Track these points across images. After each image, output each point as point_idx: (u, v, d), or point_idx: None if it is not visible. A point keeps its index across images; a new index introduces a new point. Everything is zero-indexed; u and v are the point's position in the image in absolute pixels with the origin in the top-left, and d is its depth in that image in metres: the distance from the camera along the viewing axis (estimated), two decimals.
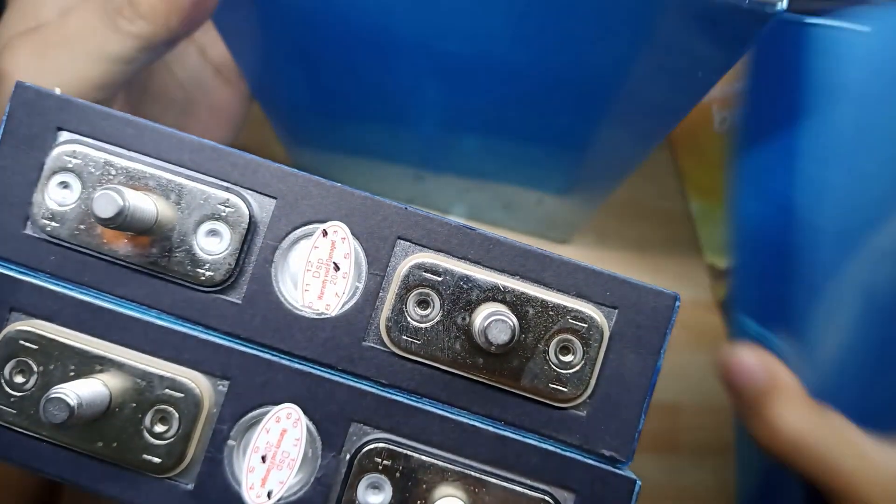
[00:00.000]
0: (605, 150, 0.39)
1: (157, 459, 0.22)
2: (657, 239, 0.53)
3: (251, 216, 0.23)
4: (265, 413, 0.23)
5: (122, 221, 0.21)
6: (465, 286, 0.23)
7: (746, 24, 0.24)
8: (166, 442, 0.22)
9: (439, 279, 0.23)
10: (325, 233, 0.23)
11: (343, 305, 0.23)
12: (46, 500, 0.35)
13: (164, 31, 0.27)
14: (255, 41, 0.34)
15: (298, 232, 0.23)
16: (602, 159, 0.41)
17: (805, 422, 0.31)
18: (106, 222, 0.21)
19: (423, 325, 0.23)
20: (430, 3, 0.27)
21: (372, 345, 0.23)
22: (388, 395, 0.23)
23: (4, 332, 0.23)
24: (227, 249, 0.23)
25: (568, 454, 0.23)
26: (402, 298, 0.23)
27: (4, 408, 0.22)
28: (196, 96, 0.36)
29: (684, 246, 0.53)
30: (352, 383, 0.23)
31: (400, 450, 0.23)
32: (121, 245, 0.23)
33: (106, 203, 0.20)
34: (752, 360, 0.32)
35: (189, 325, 0.23)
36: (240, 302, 0.23)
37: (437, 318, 0.23)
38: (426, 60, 0.32)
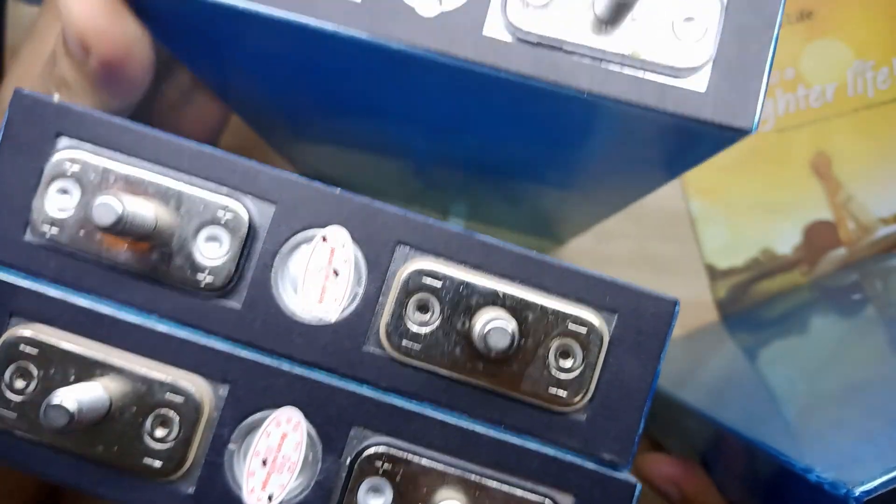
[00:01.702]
0: (585, 209, 0.40)
1: (157, 463, 0.22)
2: (657, 239, 0.53)
3: (251, 222, 0.23)
4: (265, 417, 0.23)
5: (121, 228, 0.21)
6: (464, 291, 0.23)
7: (720, 139, 0.24)
8: (167, 446, 0.22)
9: (439, 284, 0.23)
10: (324, 238, 0.23)
11: (343, 310, 0.23)
12: (47, 502, 0.35)
13: (100, 105, 0.27)
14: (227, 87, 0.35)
15: (298, 237, 0.23)
16: (584, 215, 0.42)
17: None
18: (105, 229, 0.21)
19: (422, 331, 0.23)
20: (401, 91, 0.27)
21: (372, 350, 0.23)
22: (389, 400, 0.23)
23: (4, 336, 0.23)
24: (226, 255, 0.23)
25: (568, 458, 0.23)
26: (401, 304, 0.23)
27: (5, 412, 0.22)
28: (184, 110, 0.37)
29: (684, 246, 0.53)
30: (352, 388, 0.23)
31: (400, 454, 0.23)
32: (120, 251, 0.23)
33: (105, 210, 0.21)
34: (664, 470, 0.37)
35: (189, 330, 0.23)
36: (240, 307, 0.23)
37: (437, 324, 0.23)
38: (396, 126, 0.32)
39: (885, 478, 0.24)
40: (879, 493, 0.24)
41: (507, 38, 0.23)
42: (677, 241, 0.53)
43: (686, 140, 0.25)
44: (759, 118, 0.23)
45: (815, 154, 0.51)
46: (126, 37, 0.25)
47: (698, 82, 0.23)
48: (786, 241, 0.52)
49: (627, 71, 0.23)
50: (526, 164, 0.34)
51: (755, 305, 0.51)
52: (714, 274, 0.52)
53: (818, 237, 0.51)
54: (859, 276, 0.49)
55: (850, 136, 0.50)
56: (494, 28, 0.23)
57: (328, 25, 0.23)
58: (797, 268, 0.51)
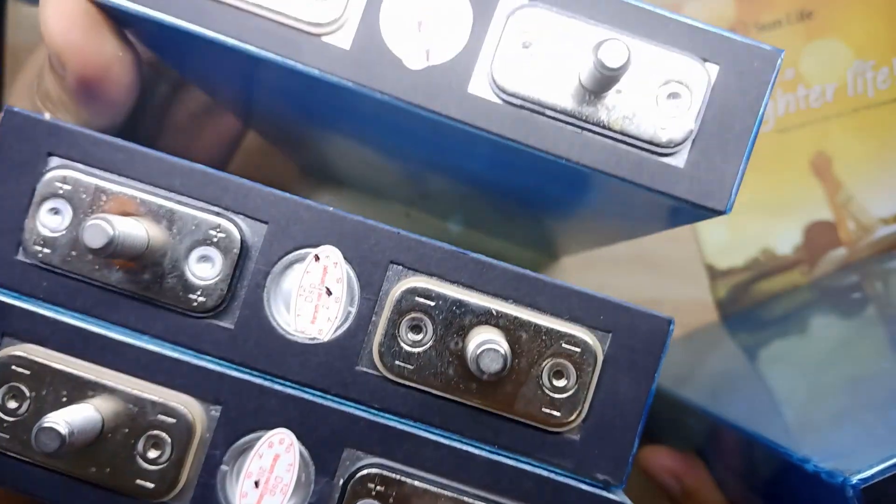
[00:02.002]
0: (580, 237, 0.41)
1: (150, 485, 0.22)
2: (657, 239, 0.53)
3: (243, 241, 0.23)
4: (258, 438, 0.23)
5: (112, 251, 0.21)
6: (457, 311, 0.23)
7: (695, 214, 0.25)
8: (159, 467, 0.22)
9: (432, 304, 0.23)
10: (317, 257, 0.23)
11: (336, 330, 0.23)
12: None
13: (82, 121, 0.26)
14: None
15: (290, 256, 0.23)
16: (579, 242, 0.43)
17: None
18: (96, 252, 0.21)
19: (415, 350, 0.23)
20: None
21: (365, 370, 0.23)
22: (382, 420, 0.23)
23: None
24: (218, 275, 0.23)
25: (561, 479, 0.23)
26: (394, 323, 0.23)
27: None
28: (204, 122, 0.36)
29: (684, 246, 0.53)
30: (345, 408, 0.23)
31: (393, 475, 0.23)
32: (112, 271, 0.23)
33: (95, 233, 0.20)
34: (665, 462, 0.38)
35: (181, 350, 0.23)
36: (232, 327, 0.23)
37: (430, 343, 0.23)
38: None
39: (881, 466, 0.24)
40: (876, 481, 0.24)
41: (492, 97, 0.23)
42: (677, 241, 0.53)
43: (663, 209, 0.25)
44: (734, 199, 0.23)
45: (815, 154, 0.50)
46: (102, 55, 0.24)
47: (677, 159, 0.23)
48: (786, 241, 0.51)
49: (608, 141, 0.23)
50: (514, 196, 0.34)
51: (755, 305, 0.51)
52: (714, 274, 0.52)
53: (818, 237, 0.51)
54: (859, 276, 0.49)
55: (850, 136, 0.50)
56: (480, 86, 0.23)
57: (314, 71, 0.23)
58: (797, 268, 0.51)
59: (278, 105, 0.32)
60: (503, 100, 0.23)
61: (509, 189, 0.33)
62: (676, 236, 0.53)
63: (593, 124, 0.23)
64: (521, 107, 0.23)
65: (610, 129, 0.23)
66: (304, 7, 0.23)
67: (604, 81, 0.22)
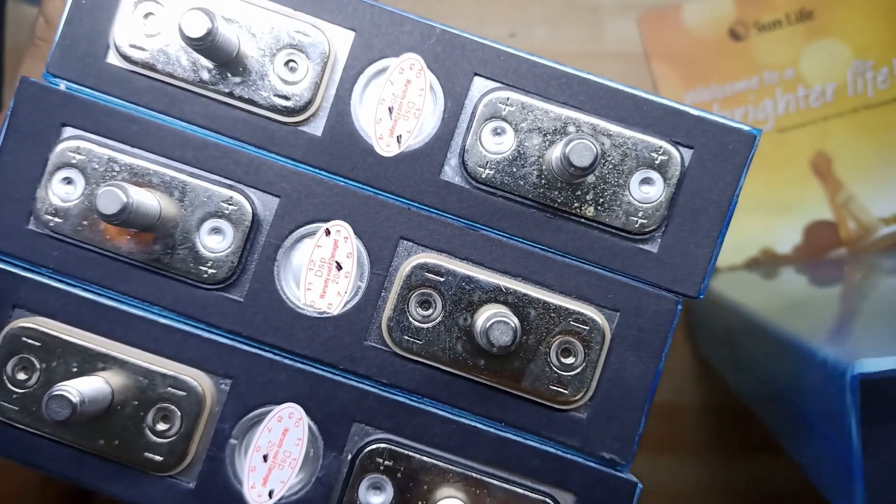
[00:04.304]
0: None
1: (158, 458, 0.22)
2: None
3: (254, 214, 0.23)
4: (267, 412, 0.23)
5: (125, 218, 0.21)
6: (467, 287, 0.23)
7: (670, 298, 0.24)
8: (168, 440, 0.22)
9: (441, 280, 0.23)
10: (328, 232, 0.23)
11: (345, 305, 0.23)
12: None
13: None
14: None
15: (301, 231, 0.23)
16: None
17: None
18: (109, 219, 0.21)
19: (424, 326, 0.23)
20: None
21: (373, 344, 0.23)
22: (390, 396, 0.23)
23: (7, 329, 0.23)
24: (229, 247, 0.23)
25: (568, 456, 0.23)
26: (404, 298, 0.23)
27: (7, 405, 0.22)
28: None
29: None
30: (354, 383, 0.23)
31: (401, 450, 0.23)
32: (124, 242, 0.23)
33: (109, 199, 0.20)
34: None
35: (192, 323, 0.23)
36: (242, 300, 0.23)
37: (439, 319, 0.23)
38: None
39: (885, 362, 0.24)
40: (881, 377, 0.24)
41: (464, 183, 0.23)
42: None
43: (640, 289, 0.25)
44: (707, 285, 0.23)
45: (815, 154, 0.51)
46: None
47: (650, 244, 0.23)
48: (786, 241, 0.51)
49: (580, 227, 0.23)
50: None
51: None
52: (714, 274, 0.52)
53: (818, 237, 0.51)
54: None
55: (850, 136, 0.50)
56: (452, 172, 0.23)
57: (288, 162, 0.23)
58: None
59: None
60: (475, 186, 0.23)
61: None
62: None
63: (564, 210, 0.23)
64: (493, 193, 0.23)
65: (582, 216, 0.23)
66: (275, 96, 0.23)
67: (573, 176, 0.22)
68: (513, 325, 0.21)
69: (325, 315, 0.23)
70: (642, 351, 0.23)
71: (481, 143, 0.23)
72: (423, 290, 0.23)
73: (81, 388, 0.21)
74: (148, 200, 0.22)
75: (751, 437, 0.49)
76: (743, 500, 0.49)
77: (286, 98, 0.23)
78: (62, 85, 0.23)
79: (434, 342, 0.23)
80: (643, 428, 0.23)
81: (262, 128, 0.23)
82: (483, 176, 0.23)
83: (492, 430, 0.23)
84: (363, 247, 0.23)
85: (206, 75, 0.23)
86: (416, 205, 0.23)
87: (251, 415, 0.23)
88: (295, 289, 0.23)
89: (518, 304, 0.23)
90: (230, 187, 0.23)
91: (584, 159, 0.21)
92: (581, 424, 0.23)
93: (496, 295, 0.23)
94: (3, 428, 0.23)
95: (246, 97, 0.23)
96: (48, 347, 0.22)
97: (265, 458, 0.23)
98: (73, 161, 0.23)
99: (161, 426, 0.22)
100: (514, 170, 0.23)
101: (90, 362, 0.22)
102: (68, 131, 0.23)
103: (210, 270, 0.23)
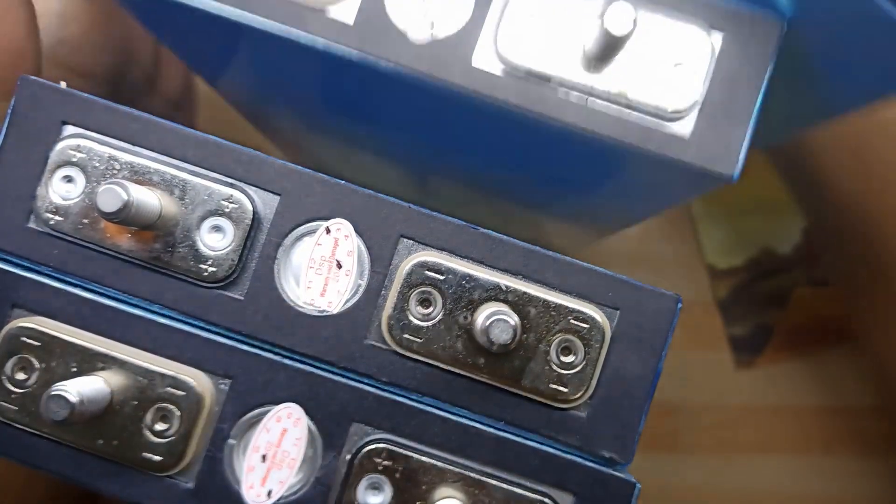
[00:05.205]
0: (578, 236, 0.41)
1: (157, 458, 0.22)
2: (657, 239, 0.53)
3: (255, 212, 0.23)
4: (266, 412, 0.23)
5: (125, 216, 0.21)
6: (467, 285, 0.23)
7: (703, 183, 0.25)
8: (167, 440, 0.22)
9: (442, 278, 0.23)
10: (328, 230, 0.23)
11: (345, 303, 0.23)
12: None
13: None
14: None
15: (302, 229, 0.23)
16: (577, 241, 0.43)
17: None
18: (109, 216, 0.21)
19: (424, 324, 0.23)
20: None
21: (374, 343, 0.23)
22: (390, 395, 0.23)
23: (6, 328, 0.23)
24: (230, 245, 0.23)
25: (568, 456, 0.23)
26: (404, 297, 0.23)
27: (5, 404, 0.22)
28: (174, 118, 0.37)
29: (684, 246, 0.53)
30: (353, 383, 0.23)
31: (400, 450, 0.23)
32: (124, 240, 0.23)
33: (110, 197, 0.20)
34: None
35: (191, 323, 0.23)
36: (242, 298, 0.23)
37: (439, 317, 0.23)
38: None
39: None
40: None
41: (496, 69, 0.23)
42: (677, 241, 0.53)
43: (670, 179, 0.25)
44: (741, 166, 0.23)
45: None
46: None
47: (684, 126, 0.23)
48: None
49: (614, 109, 0.23)
50: (517, 189, 0.34)
51: None
52: (714, 274, 0.52)
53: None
54: None
55: None
56: (484, 59, 0.23)
57: (318, 42, 0.23)
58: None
59: (280, 91, 0.32)
60: (507, 72, 0.23)
61: (511, 180, 0.33)
62: (676, 236, 0.53)
63: (599, 92, 0.23)
64: (526, 78, 0.23)
65: (616, 97, 0.23)
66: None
67: (608, 49, 0.22)
68: (512, 323, 0.21)
69: (325, 313, 0.23)
70: (642, 349, 0.23)
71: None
72: (423, 289, 0.23)
73: (80, 388, 0.21)
74: (148, 198, 0.22)
75: (751, 437, 0.49)
76: (743, 500, 0.49)
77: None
78: (63, 83, 0.23)
79: (434, 340, 0.23)
80: (643, 427, 0.23)
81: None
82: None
83: (491, 429, 0.23)
84: (363, 245, 0.23)
85: None
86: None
87: (250, 415, 0.23)
88: (295, 287, 0.23)
89: (518, 302, 0.23)
90: (231, 185, 0.23)
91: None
92: (581, 423, 0.23)
93: (496, 293, 0.23)
94: (2, 428, 0.23)
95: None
96: (47, 347, 0.22)
97: (264, 457, 0.23)
98: (74, 159, 0.23)
99: (160, 426, 0.22)
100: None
101: (89, 362, 0.22)
102: (68, 129, 0.23)
103: (210, 268, 0.23)
